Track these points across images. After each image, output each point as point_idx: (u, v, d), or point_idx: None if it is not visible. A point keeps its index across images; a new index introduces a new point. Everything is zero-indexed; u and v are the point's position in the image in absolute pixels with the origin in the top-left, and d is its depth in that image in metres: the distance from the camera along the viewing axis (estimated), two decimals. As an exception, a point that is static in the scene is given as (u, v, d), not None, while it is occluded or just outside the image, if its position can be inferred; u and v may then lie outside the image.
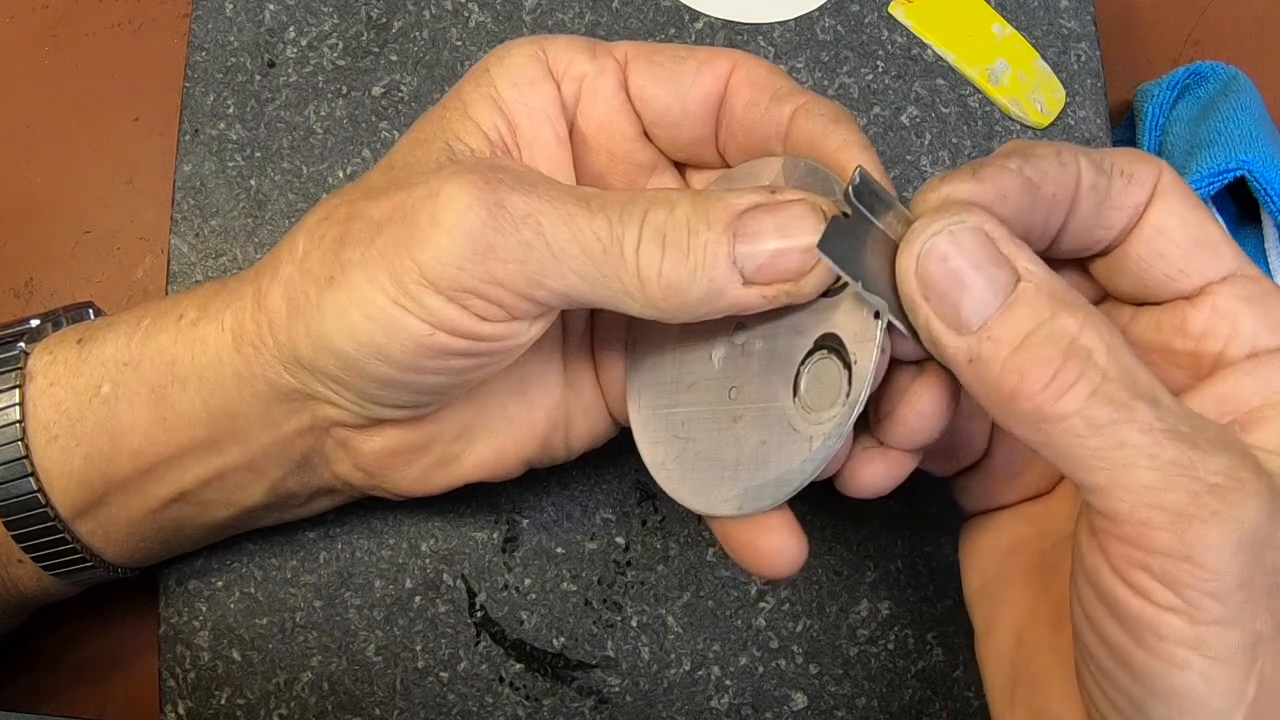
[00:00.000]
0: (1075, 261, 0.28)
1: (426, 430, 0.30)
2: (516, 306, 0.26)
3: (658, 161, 0.31)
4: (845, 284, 0.26)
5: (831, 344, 0.27)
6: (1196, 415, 0.23)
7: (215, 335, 0.29)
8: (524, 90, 0.29)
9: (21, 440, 0.30)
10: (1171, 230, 0.26)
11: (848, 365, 0.26)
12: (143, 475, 0.30)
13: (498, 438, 0.31)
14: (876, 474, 0.28)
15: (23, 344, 0.31)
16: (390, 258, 0.26)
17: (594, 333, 0.33)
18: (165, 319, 0.30)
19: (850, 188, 0.24)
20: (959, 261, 0.23)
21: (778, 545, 0.28)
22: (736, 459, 0.28)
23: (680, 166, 0.32)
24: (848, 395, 0.26)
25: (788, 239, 0.26)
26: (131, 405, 0.30)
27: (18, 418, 0.30)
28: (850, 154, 0.27)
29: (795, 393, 0.27)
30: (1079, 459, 0.22)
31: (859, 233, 0.25)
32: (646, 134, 0.31)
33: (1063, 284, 0.24)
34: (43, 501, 0.30)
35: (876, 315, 0.25)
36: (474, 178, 0.26)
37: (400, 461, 0.31)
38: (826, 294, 0.27)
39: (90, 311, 0.34)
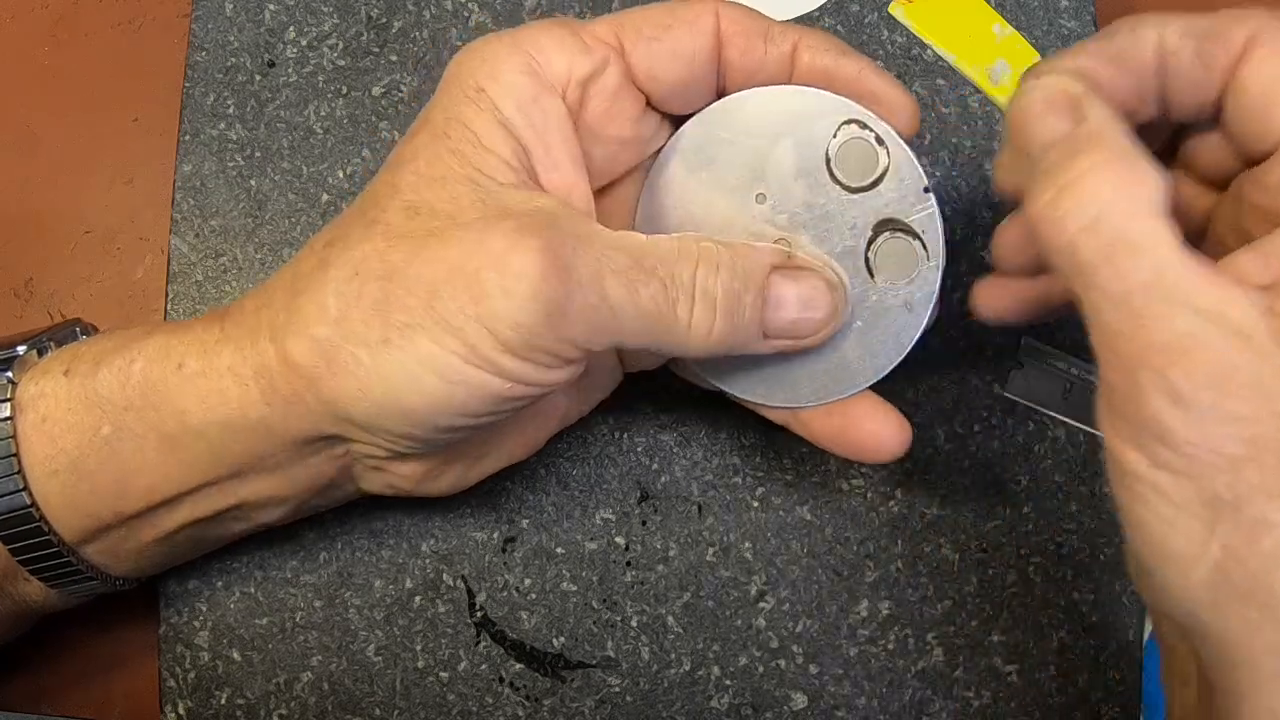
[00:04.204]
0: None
1: (457, 445, 0.31)
2: (578, 356, 0.28)
3: (659, 127, 0.32)
4: (876, 181, 0.31)
5: (890, 226, 0.31)
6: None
7: (236, 391, 0.28)
8: (530, 111, 0.28)
9: (19, 473, 0.29)
10: (1253, 85, 0.25)
11: (917, 235, 0.31)
12: (157, 508, 0.30)
13: (525, 428, 0.32)
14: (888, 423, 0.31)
15: (10, 374, 0.30)
16: (459, 324, 0.26)
17: None
18: (160, 366, 0.29)
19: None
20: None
21: (891, 422, 0.31)
22: (834, 353, 0.31)
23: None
24: (927, 256, 0.31)
25: (807, 312, 0.30)
26: (140, 449, 0.29)
27: (12, 451, 0.29)
28: (869, 78, 0.30)
29: (872, 276, 0.31)
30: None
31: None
32: (650, 105, 0.31)
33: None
34: (46, 531, 0.30)
35: (926, 189, 0.30)
36: (539, 243, 0.26)
37: (434, 474, 0.31)
38: (858, 190, 0.31)
39: (78, 330, 0.34)
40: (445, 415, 0.27)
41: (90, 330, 0.35)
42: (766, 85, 0.31)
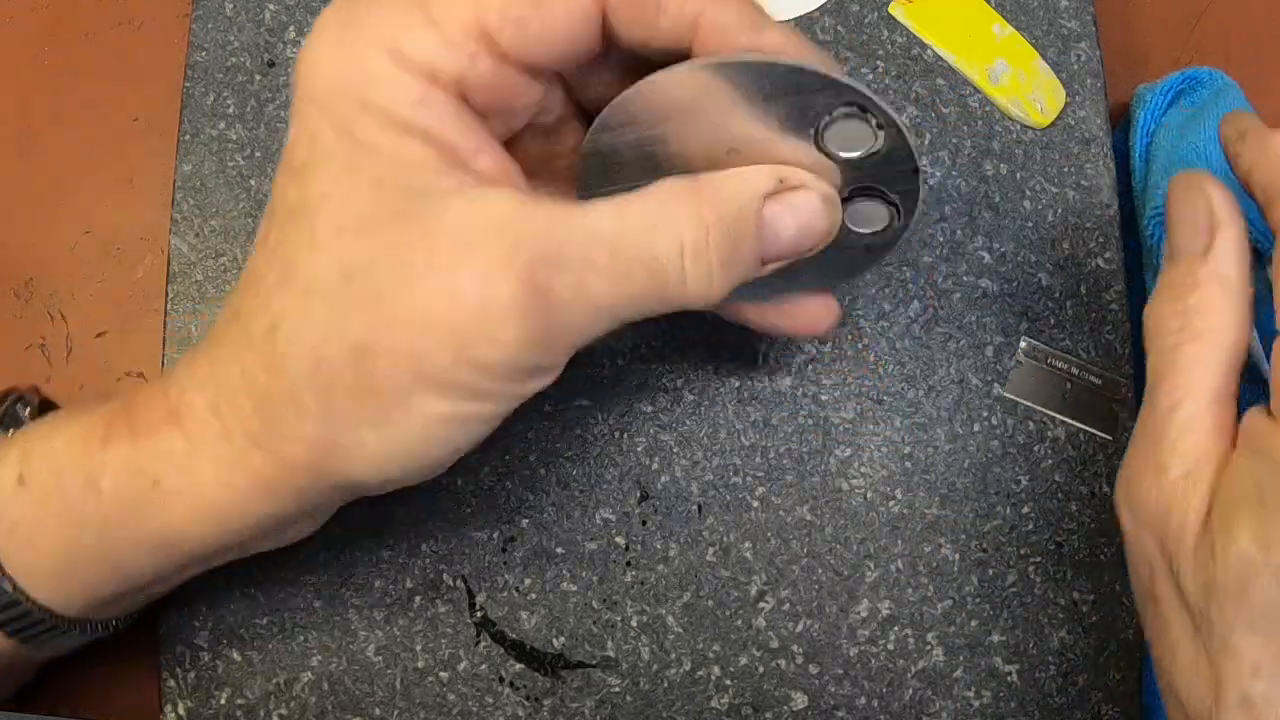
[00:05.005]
0: None
1: None
2: (572, 350, 0.27)
3: (564, 111, 0.30)
4: (866, 157, 0.29)
5: (870, 192, 0.30)
6: None
7: (230, 497, 0.27)
8: (428, 108, 0.26)
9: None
10: None
11: (893, 203, 0.30)
12: (156, 581, 0.30)
13: None
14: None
15: None
16: (453, 376, 0.25)
17: None
18: (133, 483, 0.27)
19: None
20: None
21: (821, 302, 0.32)
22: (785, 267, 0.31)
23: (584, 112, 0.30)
24: (899, 218, 0.30)
25: (805, 238, 0.29)
26: (135, 551, 0.29)
27: None
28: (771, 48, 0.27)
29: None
30: None
31: None
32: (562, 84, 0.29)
33: None
34: (37, 617, 0.29)
35: (916, 171, 0.29)
36: (511, 276, 0.24)
37: None
38: (845, 163, 0.29)
39: (19, 406, 0.33)
40: (459, 449, 0.28)
41: (32, 400, 0.34)
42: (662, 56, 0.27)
